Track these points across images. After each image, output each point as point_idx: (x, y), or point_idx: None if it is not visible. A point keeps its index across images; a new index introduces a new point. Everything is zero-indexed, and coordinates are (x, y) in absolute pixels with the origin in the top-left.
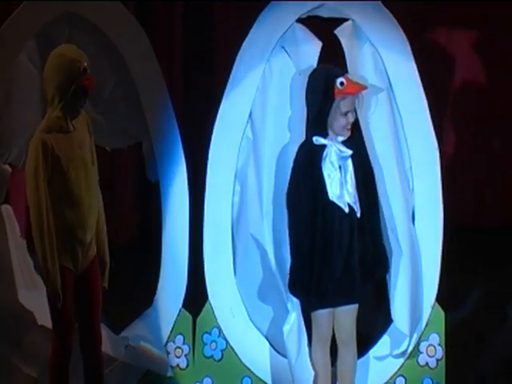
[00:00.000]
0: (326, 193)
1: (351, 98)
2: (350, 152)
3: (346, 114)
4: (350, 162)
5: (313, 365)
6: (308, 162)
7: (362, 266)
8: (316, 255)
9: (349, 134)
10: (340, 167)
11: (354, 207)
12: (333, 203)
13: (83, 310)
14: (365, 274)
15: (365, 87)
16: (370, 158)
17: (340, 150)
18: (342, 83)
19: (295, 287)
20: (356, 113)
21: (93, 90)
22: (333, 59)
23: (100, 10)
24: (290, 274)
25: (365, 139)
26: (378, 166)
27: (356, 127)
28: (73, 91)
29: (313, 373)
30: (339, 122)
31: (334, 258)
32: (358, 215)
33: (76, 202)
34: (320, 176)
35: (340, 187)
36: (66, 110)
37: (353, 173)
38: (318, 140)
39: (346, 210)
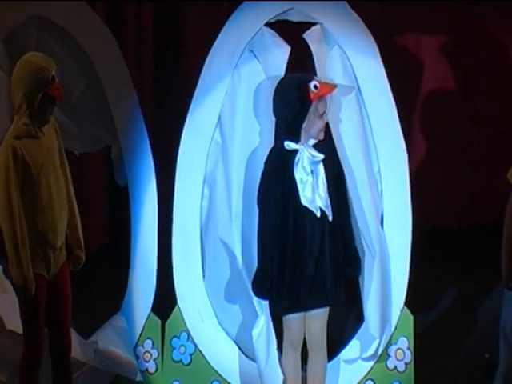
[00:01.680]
0: (298, 197)
1: (325, 98)
2: (321, 156)
3: (322, 115)
4: (321, 166)
5: (282, 369)
6: (279, 167)
7: (334, 267)
8: (288, 259)
9: (323, 136)
10: (312, 172)
11: (326, 211)
12: (304, 208)
13: (53, 314)
14: (336, 275)
15: (336, 85)
16: (340, 161)
17: (312, 155)
18: (315, 86)
19: (262, 290)
20: (329, 126)
21: (62, 95)
22: (302, 63)
23: (69, 14)
24: (256, 277)
25: (335, 142)
26: (347, 170)
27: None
28: (40, 99)
29: (282, 377)
30: (317, 125)
31: (305, 261)
32: (330, 219)
33: (47, 207)
34: (292, 181)
35: (312, 191)
36: (33, 118)
37: (324, 177)
38: (289, 145)
39: (318, 214)
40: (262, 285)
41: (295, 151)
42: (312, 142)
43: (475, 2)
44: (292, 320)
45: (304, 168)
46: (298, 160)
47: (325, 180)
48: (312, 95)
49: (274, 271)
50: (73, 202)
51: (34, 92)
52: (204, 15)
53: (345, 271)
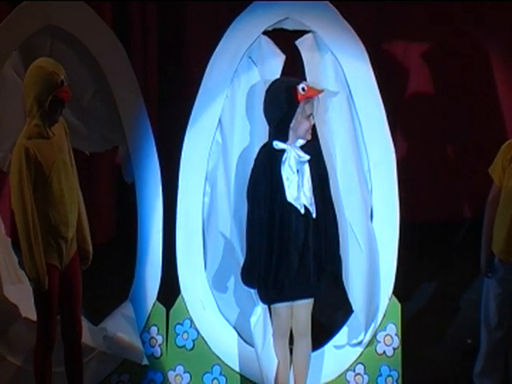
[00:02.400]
0: (284, 194)
1: (312, 101)
2: (307, 157)
3: (309, 116)
4: (307, 166)
5: (276, 353)
6: (267, 164)
7: (316, 262)
8: (274, 251)
9: (310, 137)
10: (298, 171)
11: (310, 209)
12: (290, 204)
13: (66, 303)
14: (319, 269)
15: (322, 90)
16: (331, 161)
17: (299, 155)
18: (303, 89)
19: (250, 280)
20: (321, 128)
21: (73, 98)
22: (297, 69)
23: (79, 23)
24: (244, 267)
25: (326, 143)
26: (338, 169)
27: (313, 132)
28: (50, 102)
29: (277, 360)
30: (304, 125)
31: (290, 254)
32: (314, 216)
33: (59, 202)
34: (279, 178)
35: (297, 190)
36: (43, 119)
37: (309, 176)
38: (277, 145)
39: (302, 210)
40: (250, 274)
41: (283, 151)
42: (300, 142)
43: (458, 5)
44: (280, 309)
45: (290, 167)
46: (285, 159)
47: (310, 179)
48: (300, 96)
49: (262, 263)
50: (80, 199)
51: (44, 95)
52: (205, 21)
53: (326, 268)
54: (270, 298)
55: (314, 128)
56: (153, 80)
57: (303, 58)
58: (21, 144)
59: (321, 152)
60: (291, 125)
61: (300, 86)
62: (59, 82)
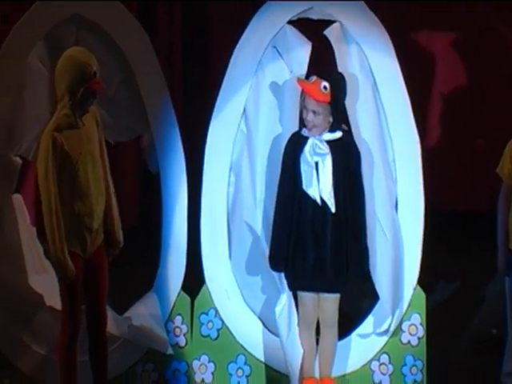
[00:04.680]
0: (301, 182)
1: (313, 100)
2: (326, 150)
3: (309, 112)
4: (328, 159)
5: (301, 343)
6: (291, 152)
7: (335, 257)
8: (291, 239)
9: (313, 131)
10: (317, 163)
11: (328, 202)
12: (308, 195)
13: (91, 292)
14: (338, 265)
15: (319, 99)
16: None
17: (318, 146)
18: (308, 80)
19: (276, 264)
20: (348, 118)
21: (103, 89)
22: (321, 58)
23: (105, 12)
24: (270, 250)
25: (353, 134)
26: (363, 159)
27: (349, 132)
28: (82, 93)
29: (302, 350)
30: (307, 119)
31: (306, 246)
32: (333, 210)
33: (84, 193)
34: (298, 165)
35: (313, 180)
36: (74, 109)
37: (331, 170)
38: (304, 131)
39: (319, 201)
40: (276, 259)
41: (308, 139)
42: (327, 136)
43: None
44: (305, 299)
45: (309, 156)
46: (306, 147)
47: (330, 174)
48: (301, 82)
49: (284, 249)
50: (110, 191)
51: (76, 86)
52: (229, 11)
53: (350, 266)
54: (290, 285)
55: (349, 126)
56: (177, 70)
57: (333, 47)
58: (48, 132)
59: (352, 150)
60: (303, 115)
61: (310, 77)
62: (91, 73)
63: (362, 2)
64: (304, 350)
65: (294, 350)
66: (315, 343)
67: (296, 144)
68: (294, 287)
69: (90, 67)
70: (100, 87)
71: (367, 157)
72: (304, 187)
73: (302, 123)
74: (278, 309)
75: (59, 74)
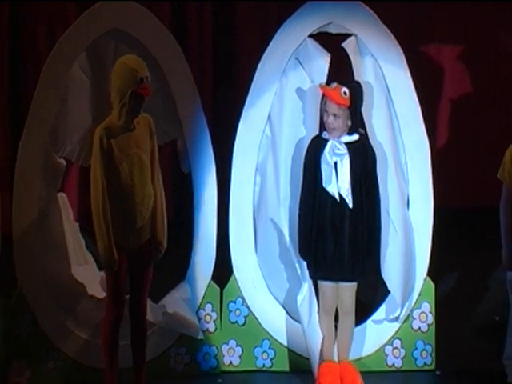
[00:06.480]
0: (321, 180)
1: (333, 104)
2: (344, 151)
3: (330, 115)
4: (346, 159)
5: (321, 329)
6: (312, 153)
7: (353, 250)
8: (313, 233)
9: (333, 133)
10: (336, 163)
11: (346, 199)
12: (327, 192)
13: (135, 285)
14: (355, 257)
15: (339, 104)
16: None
17: (337, 147)
18: (329, 86)
19: (303, 254)
20: (364, 124)
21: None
22: (339, 68)
23: (142, 27)
24: (299, 241)
25: (369, 138)
26: (378, 161)
27: (366, 136)
28: (130, 96)
29: (321, 336)
30: (327, 121)
31: (326, 238)
32: (350, 206)
33: (128, 192)
34: (319, 165)
35: (332, 178)
36: (123, 111)
37: (348, 170)
38: (325, 134)
39: (337, 197)
40: (303, 249)
41: (328, 141)
42: (346, 138)
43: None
44: (325, 287)
45: (328, 156)
46: (326, 148)
47: (348, 173)
48: (323, 88)
49: (306, 240)
50: (158, 196)
51: (125, 89)
52: (256, 25)
53: (364, 260)
54: (312, 274)
55: (364, 130)
56: (208, 79)
57: (351, 58)
58: (98, 128)
59: (368, 152)
60: (324, 118)
61: (331, 84)
62: (138, 78)
63: (377, 17)
64: (324, 336)
65: (314, 336)
66: (334, 329)
67: (317, 146)
68: (316, 277)
69: (137, 73)
70: (146, 92)
71: (381, 158)
72: (324, 185)
73: (323, 127)
74: (299, 297)
75: (113, 79)
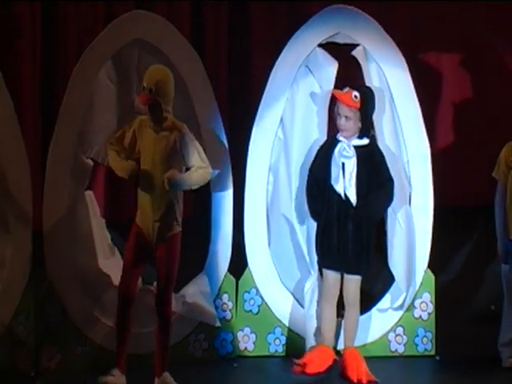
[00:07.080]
0: (330, 177)
1: (344, 106)
2: (351, 153)
3: (342, 117)
4: (354, 161)
5: (317, 317)
6: (325, 151)
7: (356, 246)
8: (321, 224)
9: (344, 133)
10: (343, 164)
11: (350, 198)
12: (335, 189)
13: (161, 276)
14: (358, 253)
15: (348, 105)
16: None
17: (345, 150)
18: (343, 91)
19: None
20: (374, 131)
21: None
22: (348, 75)
23: (163, 37)
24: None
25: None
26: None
27: (374, 142)
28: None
29: (316, 322)
30: (338, 123)
31: (332, 232)
32: (354, 204)
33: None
34: (329, 163)
35: (339, 178)
36: (148, 114)
37: (354, 171)
38: (339, 135)
39: (343, 196)
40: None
41: (339, 142)
42: (355, 141)
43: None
44: (328, 275)
45: (338, 156)
46: (336, 149)
47: (354, 175)
48: (336, 92)
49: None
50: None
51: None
52: (269, 36)
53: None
54: (318, 262)
55: (374, 140)
56: (224, 85)
57: (361, 64)
58: (137, 119)
59: (375, 156)
60: (336, 121)
61: (345, 88)
62: (142, 86)
63: (381, 27)
64: (324, 320)
65: (310, 321)
66: (335, 315)
67: (330, 145)
68: (321, 265)
69: (143, 82)
70: (141, 100)
71: (386, 157)
72: (332, 182)
73: (332, 130)
74: (307, 285)
75: None
